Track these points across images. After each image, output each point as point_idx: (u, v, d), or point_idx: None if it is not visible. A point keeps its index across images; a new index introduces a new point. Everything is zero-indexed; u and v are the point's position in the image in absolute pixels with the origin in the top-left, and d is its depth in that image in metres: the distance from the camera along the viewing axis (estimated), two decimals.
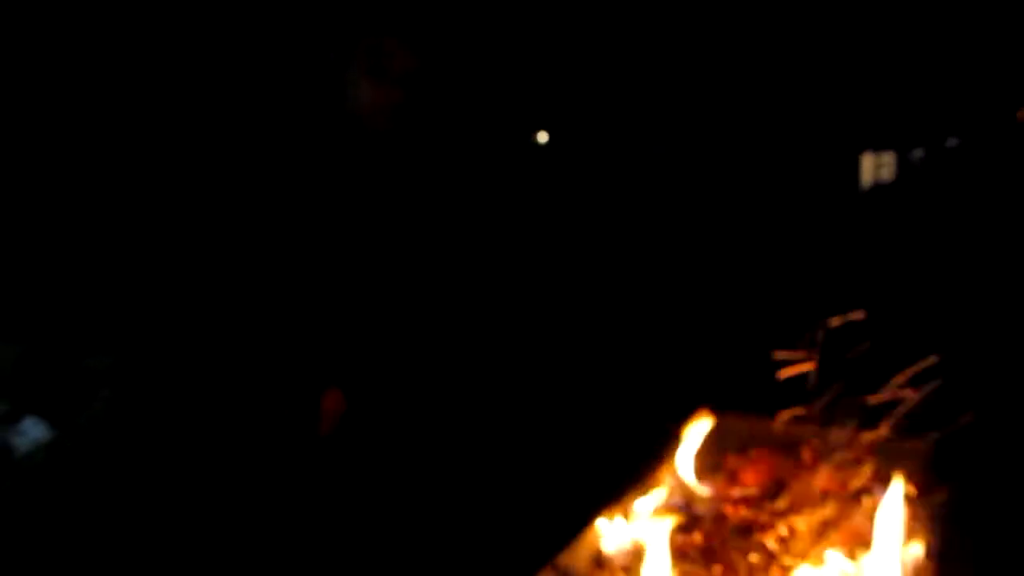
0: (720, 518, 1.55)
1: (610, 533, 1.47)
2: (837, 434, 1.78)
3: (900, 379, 1.77)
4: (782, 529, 1.50)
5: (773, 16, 5.87)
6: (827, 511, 1.60)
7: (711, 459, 1.81)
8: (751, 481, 1.74)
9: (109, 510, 2.85)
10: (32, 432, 3.08)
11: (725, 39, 5.82)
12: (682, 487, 1.63)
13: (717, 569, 1.42)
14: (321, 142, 1.89)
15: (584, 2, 5.79)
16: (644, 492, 1.56)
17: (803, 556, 1.44)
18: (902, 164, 7.27)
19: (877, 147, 7.20)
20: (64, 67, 2.99)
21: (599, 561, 1.44)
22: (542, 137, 8.76)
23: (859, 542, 1.51)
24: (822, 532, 1.55)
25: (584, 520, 1.45)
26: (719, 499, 1.63)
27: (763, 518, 1.55)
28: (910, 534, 1.41)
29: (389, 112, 1.91)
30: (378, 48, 1.87)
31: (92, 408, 3.21)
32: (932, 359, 1.76)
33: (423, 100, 1.94)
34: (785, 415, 1.84)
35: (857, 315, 1.93)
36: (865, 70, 6.12)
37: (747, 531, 1.51)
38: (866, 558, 1.40)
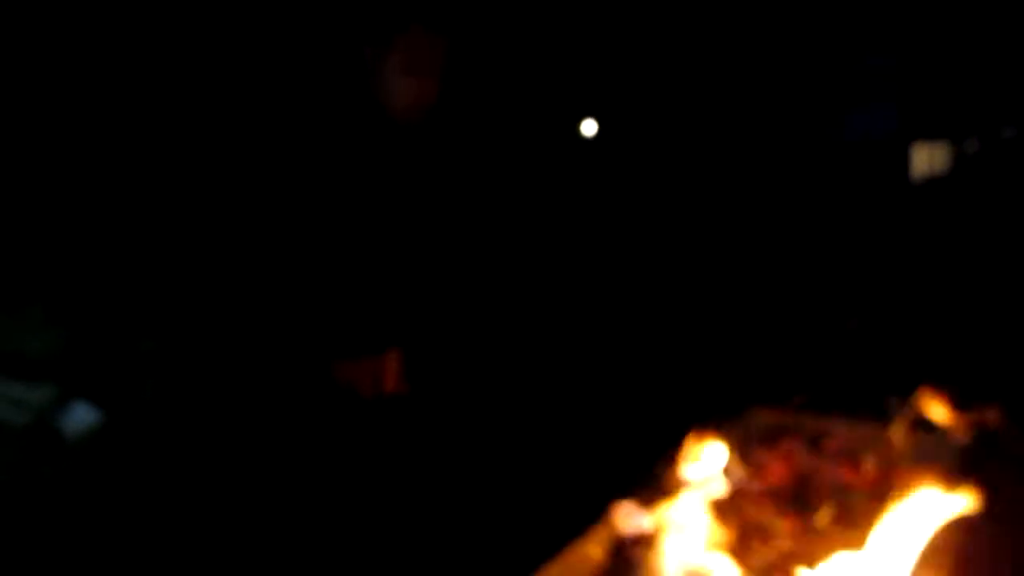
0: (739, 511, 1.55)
1: (628, 519, 1.48)
2: (863, 427, 1.77)
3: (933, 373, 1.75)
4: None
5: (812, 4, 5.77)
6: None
7: (738, 451, 1.81)
8: (776, 476, 1.73)
9: (155, 495, 2.92)
10: (81, 416, 3.16)
11: (775, 21, 5.74)
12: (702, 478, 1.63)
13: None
14: (358, 134, 1.94)
15: None
16: (663, 480, 1.56)
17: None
18: (956, 155, 7.10)
19: (931, 136, 7.04)
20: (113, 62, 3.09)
21: (618, 547, 1.45)
22: (588, 128, 8.45)
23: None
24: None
25: (600, 508, 1.46)
26: (740, 493, 1.62)
27: (782, 516, 1.55)
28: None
29: (423, 104, 1.95)
30: (414, 42, 1.91)
31: (143, 393, 3.29)
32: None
33: (455, 90, 1.99)
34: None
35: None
36: (920, 55, 5.98)
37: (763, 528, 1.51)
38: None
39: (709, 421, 1.75)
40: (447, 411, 2.03)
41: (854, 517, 1.57)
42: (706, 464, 1.65)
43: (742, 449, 1.81)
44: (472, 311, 2.05)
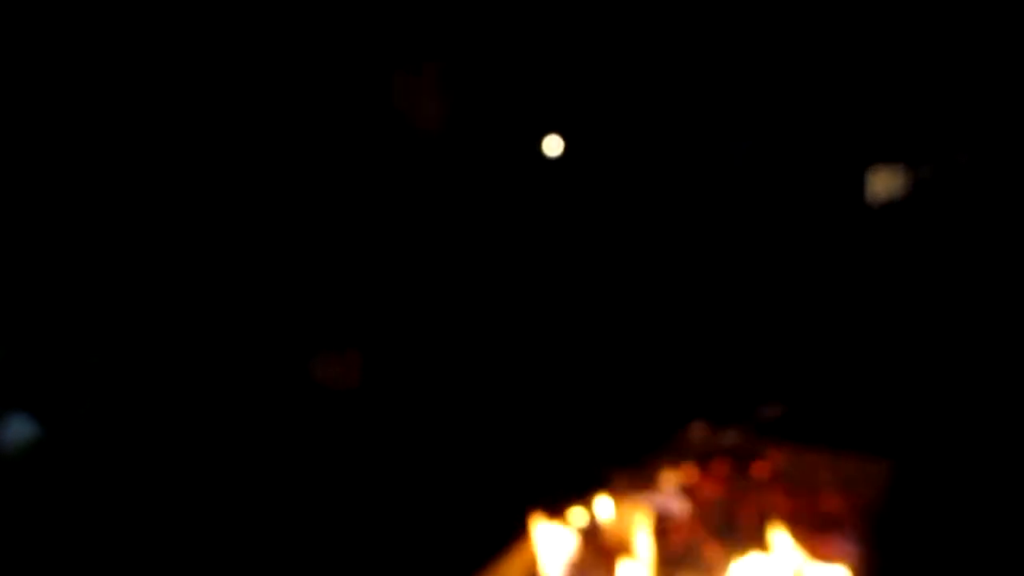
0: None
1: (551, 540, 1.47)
2: (792, 451, 1.77)
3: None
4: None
5: (777, 19, 5.82)
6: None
7: (671, 468, 1.80)
8: (704, 496, 1.73)
9: (96, 510, 2.87)
10: (19, 430, 3.11)
11: (730, 42, 5.79)
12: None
13: None
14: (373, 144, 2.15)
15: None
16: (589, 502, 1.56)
17: None
18: (912, 179, 7.17)
19: (886, 159, 7.12)
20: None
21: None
22: (552, 146, 8.30)
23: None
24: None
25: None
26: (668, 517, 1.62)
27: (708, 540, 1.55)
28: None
29: (443, 117, 2.18)
30: (447, 66, 2.15)
31: (84, 406, 3.23)
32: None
33: (471, 105, 2.24)
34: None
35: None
36: (873, 76, 6.06)
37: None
38: None
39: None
40: (398, 405, 2.11)
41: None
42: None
43: (676, 467, 1.81)
44: (433, 316, 2.17)
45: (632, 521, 1.50)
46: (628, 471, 1.81)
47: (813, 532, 1.60)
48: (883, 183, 6.83)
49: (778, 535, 1.47)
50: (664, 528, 1.57)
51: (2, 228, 3.19)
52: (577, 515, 1.58)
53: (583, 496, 1.57)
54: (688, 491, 1.72)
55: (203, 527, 2.63)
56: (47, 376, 3.14)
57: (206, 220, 2.62)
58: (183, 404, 3.11)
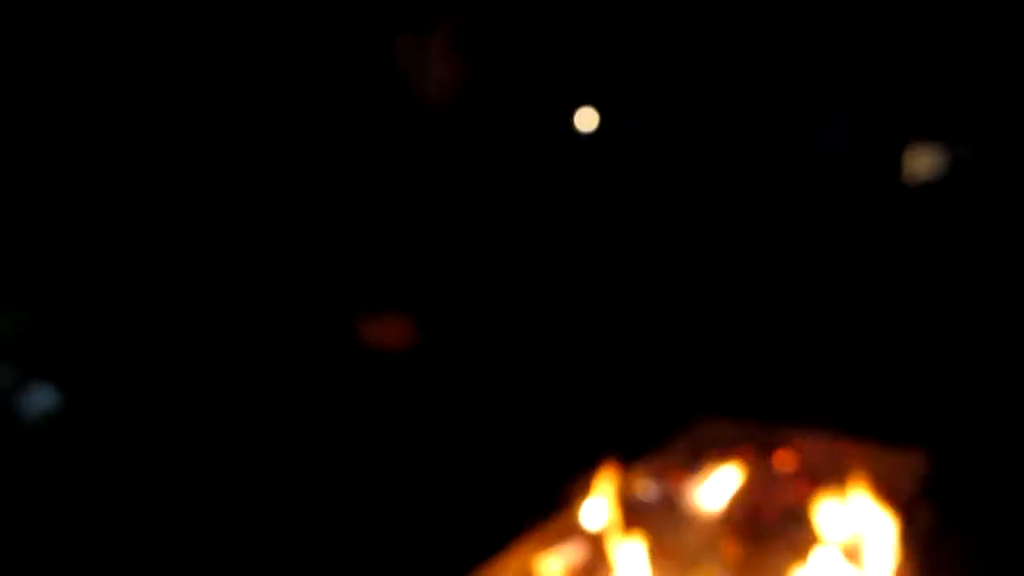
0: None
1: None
2: (820, 441, 1.71)
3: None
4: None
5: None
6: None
7: (690, 461, 1.75)
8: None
9: (118, 479, 2.88)
10: (41, 399, 3.11)
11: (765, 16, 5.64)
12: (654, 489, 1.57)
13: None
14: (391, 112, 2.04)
15: None
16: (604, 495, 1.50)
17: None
18: (951, 159, 6.95)
19: (925, 138, 6.89)
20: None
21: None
22: (586, 120, 8.10)
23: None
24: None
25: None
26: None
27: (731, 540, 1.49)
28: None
29: (455, 87, 2.05)
30: (463, 26, 2.01)
31: (104, 375, 3.23)
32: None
33: (490, 73, 2.12)
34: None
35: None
36: (913, 52, 5.87)
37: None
38: None
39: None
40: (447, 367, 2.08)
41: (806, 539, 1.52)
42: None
43: (695, 458, 1.75)
44: (476, 281, 2.13)
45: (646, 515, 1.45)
46: (643, 463, 1.76)
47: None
48: (922, 163, 6.66)
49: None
50: (682, 523, 1.52)
51: (30, 201, 3.19)
52: (588, 507, 1.52)
53: (595, 487, 1.51)
54: (707, 484, 1.66)
55: (234, 493, 2.64)
56: (72, 346, 3.14)
57: (247, 181, 2.61)
58: (225, 368, 3.11)
